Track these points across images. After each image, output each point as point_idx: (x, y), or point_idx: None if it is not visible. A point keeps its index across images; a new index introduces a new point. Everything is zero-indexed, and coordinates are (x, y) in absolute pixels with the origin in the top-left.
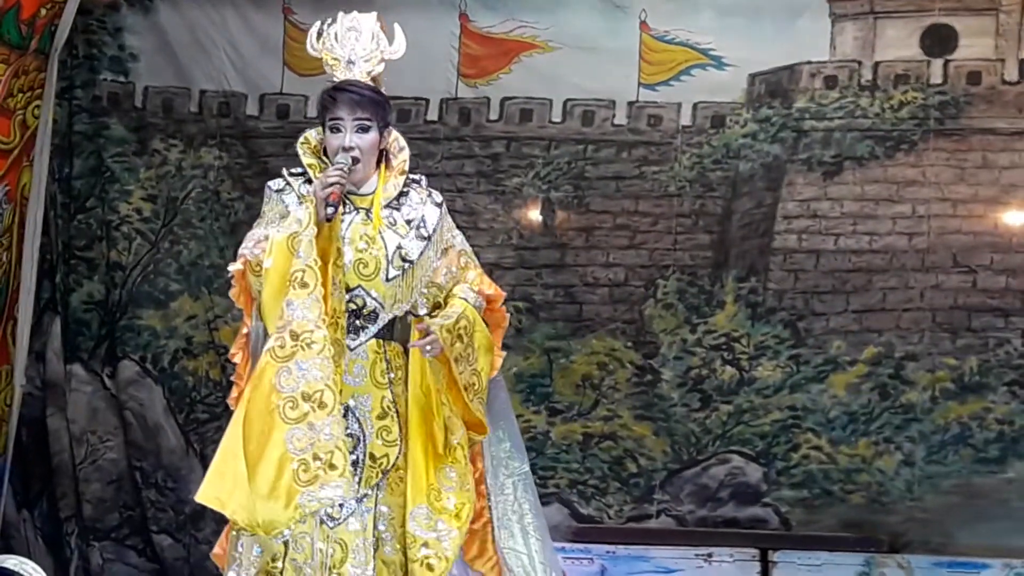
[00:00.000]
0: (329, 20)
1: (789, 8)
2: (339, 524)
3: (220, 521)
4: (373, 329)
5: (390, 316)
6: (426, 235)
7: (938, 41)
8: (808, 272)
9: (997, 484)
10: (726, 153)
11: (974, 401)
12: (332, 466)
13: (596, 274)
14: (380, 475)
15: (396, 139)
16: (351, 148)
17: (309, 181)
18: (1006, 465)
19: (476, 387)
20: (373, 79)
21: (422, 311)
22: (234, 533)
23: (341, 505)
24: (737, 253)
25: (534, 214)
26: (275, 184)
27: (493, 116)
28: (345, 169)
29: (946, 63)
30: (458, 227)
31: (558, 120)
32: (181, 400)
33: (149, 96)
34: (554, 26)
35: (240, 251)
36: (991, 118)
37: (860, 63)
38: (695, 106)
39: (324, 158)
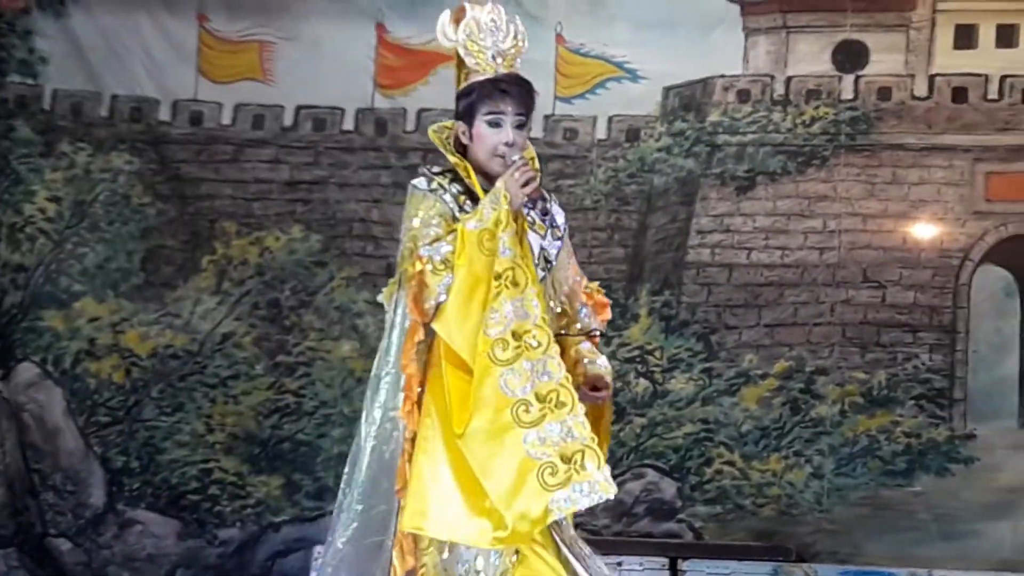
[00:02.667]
0: (463, 8)
1: (703, 22)
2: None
3: (122, 526)
4: None
5: None
6: (559, 235)
7: (849, 57)
8: (721, 286)
9: (904, 496)
10: (641, 167)
11: (882, 415)
12: (583, 467)
13: None
14: None
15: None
16: (513, 144)
17: (455, 179)
18: (912, 477)
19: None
20: None
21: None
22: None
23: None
24: (651, 267)
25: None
26: (423, 183)
27: (409, 127)
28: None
29: (857, 79)
30: (373, 237)
31: None
32: (83, 402)
33: (58, 99)
34: None
35: (420, 252)
36: (901, 133)
37: (773, 77)
38: (610, 119)
39: (458, 155)
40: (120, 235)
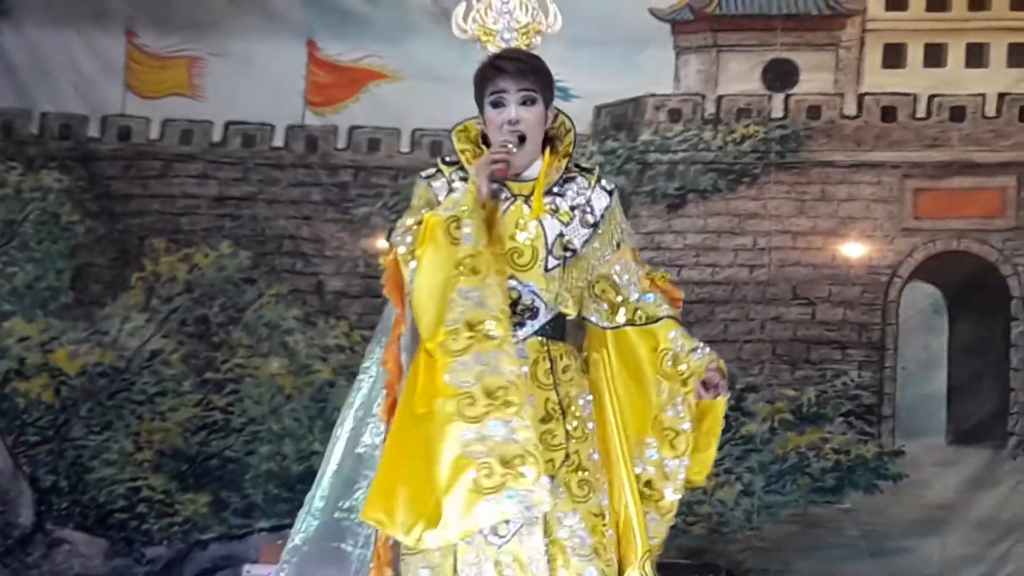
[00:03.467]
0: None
1: (634, 41)
2: (507, 541)
3: (50, 545)
4: (533, 325)
5: (553, 312)
6: (592, 221)
7: (779, 76)
8: None
9: (833, 513)
10: None
11: (812, 432)
12: (522, 474)
13: None
14: None
15: (563, 121)
16: (516, 122)
17: (463, 169)
18: (842, 495)
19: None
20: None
21: (593, 316)
22: (403, 559)
23: (507, 521)
24: None
25: (382, 243)
26: (426, 171)
27: (341, 145)
28: (512, 147)
29: (787, 97)
30: (303, 254)
31: (406, 150)
32: (12, 422)
33: None
34: (403, 56)
35: (391, 240)
36: (830, 151)
37: (703, 96)
38: None
39: (482, 147)
40: (50, 254)
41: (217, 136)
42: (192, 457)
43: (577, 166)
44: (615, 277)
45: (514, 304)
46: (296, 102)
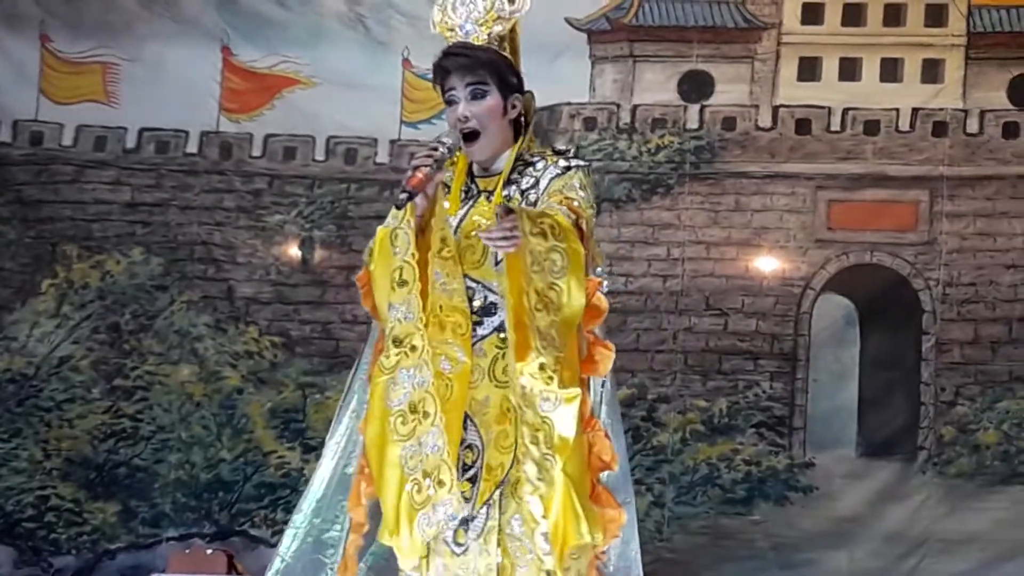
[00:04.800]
0: None
1: (550, 49)
2: (465, 550)
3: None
4: (492, 322)
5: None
6: (534, 199)
7: (695, 87)
8: None
9: (743, 525)
10: None
11: (723, 443)
12: (440, 482)
13: (355, 311)
14: (495, 488)
15: (533, 106)
16: (466, 119)
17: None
18: (752, 506)
19: (554, 305)
20: (501, 40)
21: None
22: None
23: (466, 529)
24: None
25: (294, 251)
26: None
27: (256, 152)
28: (443, 150)
29: (702, 108)
30: (215, 260)
31: (321, 158)
32: None
33: None
34: (316, 62)
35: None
36: (744, 162)
37: (619, 106)
38: None
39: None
40: None
41: (131, 142)
42: (100, 465)
43: (554, 150)
44: None
45: (470, 302)
46: (211, 108)
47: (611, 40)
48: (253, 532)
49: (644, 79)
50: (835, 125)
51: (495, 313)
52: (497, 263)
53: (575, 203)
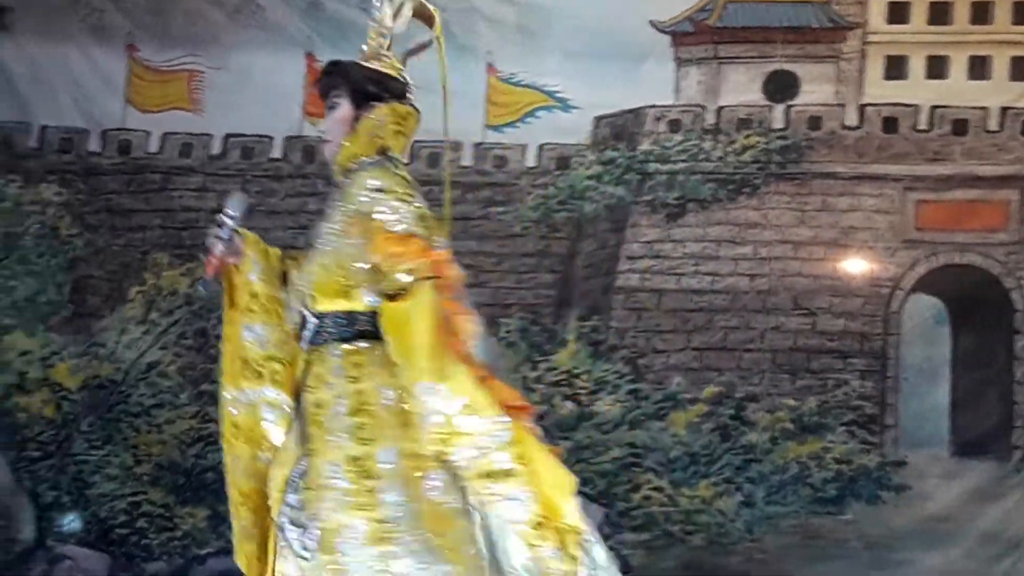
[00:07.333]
0: None
1: (634, 52)
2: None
3: (51, 561)
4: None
5: (316, 315)
6: (339, 217)
7: (780, 87)
8: (650, 311)
9: (835, 524)
10: (571, 194)
11: (813, 441)
12: None
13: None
14: None
15: (387, 111)
16: (323, 133)
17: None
18: (844, 505)
19: None
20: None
21: (367, 298)
22: None
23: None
24: (580, 292)
25: None
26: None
27: None
28: (229, 224)
29: (788, 108)
30: None
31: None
32: (12, 437)
33: None
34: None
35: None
36: (831, 162)
37: (704, 107)
38: (541, 148)
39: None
40: (49, 267)
41: (216, 149)
42: (188, 470)
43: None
44: (376, 259)
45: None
46: (294, 113)
47: (696, 42)
48: None
49: (729, 80)
50: (923, 124)
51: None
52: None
53: (385, 235)
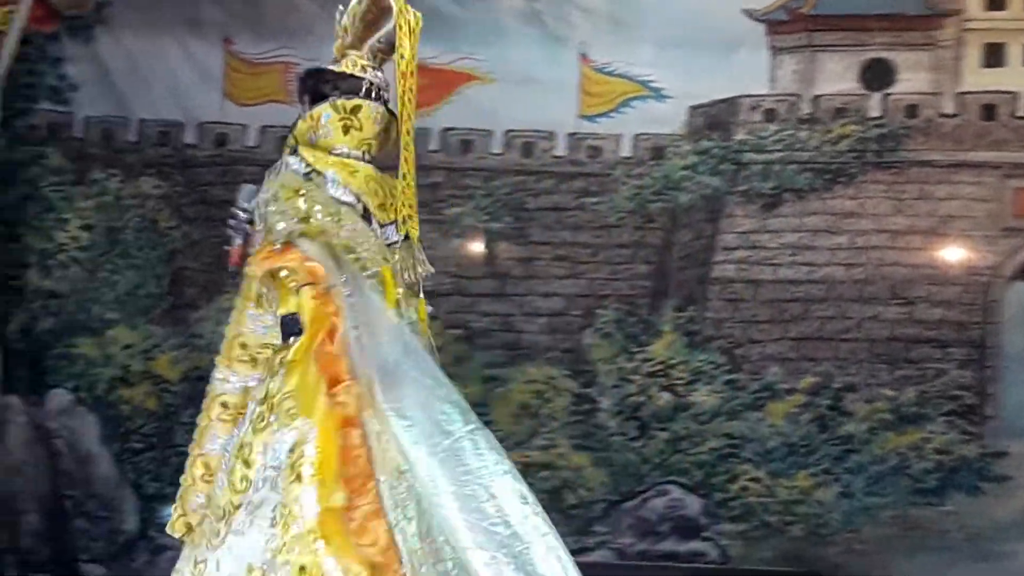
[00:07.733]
0: None
1: (728, 41)
2: None
3: (155, 551)
4: None
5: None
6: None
7: (876, 75)
8: (747, 302)
9: (935, 515)
10: (666, 185)
11: (912, 432)
12: None
13: (535, 303)
14: None
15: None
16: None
17: None
18: (944, 496)
19: None
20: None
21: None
22: None
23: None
24: (676, 283)
25: (473, 244)
26: None
27: (433, 146)
28: (242, 216)
29: (884, 96)
30: None
31: (498, 151)
32: (116, 429)
33: (90, 126)
34: (494, 58)
35: None
36: (928, 151)
37: (799, 96)
38: (635, 138)
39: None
40: (149, 260)
41: None
42: None
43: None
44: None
45: None
46: (390, 104)
47: (790, 31)
48: None
49: (824, 69)
50: (1021, 111)
51: None
52: None
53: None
